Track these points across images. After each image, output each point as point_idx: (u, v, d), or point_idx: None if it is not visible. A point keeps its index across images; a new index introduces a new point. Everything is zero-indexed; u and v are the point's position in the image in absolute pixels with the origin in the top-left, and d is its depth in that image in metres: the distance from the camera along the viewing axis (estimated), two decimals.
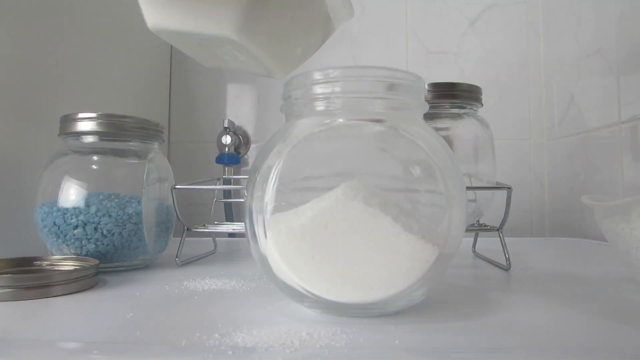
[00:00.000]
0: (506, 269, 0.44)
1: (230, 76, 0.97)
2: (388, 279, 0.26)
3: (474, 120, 0.52)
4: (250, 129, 0.97)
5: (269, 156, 0.29)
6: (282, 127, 0.31)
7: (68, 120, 0.45)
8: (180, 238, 0.50)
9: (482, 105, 0.52)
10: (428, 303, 0.31)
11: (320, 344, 0.23)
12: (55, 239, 0.43)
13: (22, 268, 0.40)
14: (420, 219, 0.27)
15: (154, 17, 0.30)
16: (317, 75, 0.29)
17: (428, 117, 0.50)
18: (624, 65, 0.67)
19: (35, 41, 0.56)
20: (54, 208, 0.43)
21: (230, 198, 0.86)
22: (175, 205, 0.49)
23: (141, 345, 0.24)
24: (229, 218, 0.91)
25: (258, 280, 0.40)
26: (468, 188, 0.48)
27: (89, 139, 0.45)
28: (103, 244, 0.43)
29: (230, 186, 0.82)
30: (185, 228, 0.51)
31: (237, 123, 0.96)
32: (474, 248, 0.56)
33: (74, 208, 0.42)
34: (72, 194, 0.43)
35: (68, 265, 0.41)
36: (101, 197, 0.43)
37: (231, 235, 0.78)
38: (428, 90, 0.50)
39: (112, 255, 0.44)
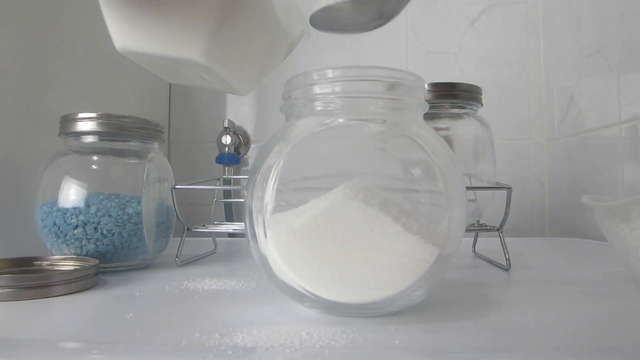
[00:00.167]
0: (506, 269, 0.44)
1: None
2: (388, 279, 0.26)
3: (474, 120, 0.52)
4: (250, 129, 0.97)
5: (269, 156, 0.29)
6: (282, 127, 0.31)
7: (68, 120, 0.45)
8: (180, 238, 0.50)
9: (482, 105, 0.52)
10: (428, 303, 0.31)
11: (320, 344, 0.23)
12: (55, 239, 0.43)
13: (22, 268, 0.40)
14: (420, 219, 0.27)
15: (122, 39, 0.31)
16: (317, 75, 0.29)
17: (428, 117, 0.50)
18: (624, 65, 0.67)
19: (35, 41, 0.56)
20: (54, 208, 0.43)
21: (230, 198, 0.86)
22: (175, 205, 0.49)
23: (141, 345, 0.24)
24: (229, 218, 0.91)
25: (258, 280, 0.40)
26: (468, 188, 0.48)
27: (89, 139, 0.45)
28: (103, 244, 0.43)
29: (230, 186, 0.82)
30: (185, 228, 0.51)
31: (237, 123, 0.96)
32: (474, 248, 0.56)
33: (74, 208, 0.42)
34: (72, 194, 0.43)
35: (68, 265, 0.41)
36: (101, 197, 0.43)
37: (231, 235, 0.78)
38: (428, 90, 0.50)
39: (112, 255, 0.44)
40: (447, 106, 0.51)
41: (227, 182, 0.82)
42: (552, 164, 0.90)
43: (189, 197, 0.93)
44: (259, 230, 0.28)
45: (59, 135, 0.46)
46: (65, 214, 0.42)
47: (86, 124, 0.44)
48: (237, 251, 0.62)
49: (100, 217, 0.42)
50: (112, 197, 0.44)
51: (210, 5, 0.29)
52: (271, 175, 0.27)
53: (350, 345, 0.23)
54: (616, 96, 0.68)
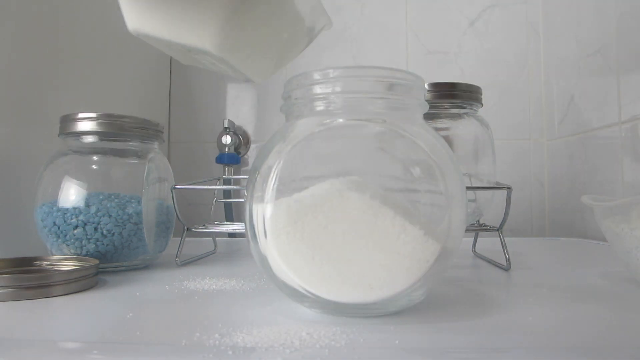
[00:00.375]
0: (506, 269, 0.44)
1: (230, 76, 0.97)
2: (388, 279, 0.26)
3: (473, 120, 0.52)
4: (250, 129, 0.97)
5: (269, 156, 0.29)
6: (282, 127, 0.31)
7: (68, 120, 0.45)
8: (180, 238, 0.50)
9: (482, 105, 0.52)
10: (428, 303, 0.31)
11: (320, 344, 0.23)
12: (55, 239, 0.43)
13: (22, 268, 0.40)
14: (420, 219, 0.27)
15: (134, 20, 0.30)
16: (317, 75, 0.29)
17: (428, 117, 0.50)
18: (624, 65, 0.67)
19: (35, 41, 0.56)
20: (54, 208, 0.43)
21: (230, 198, 0.86)
22: (175, 205, 0.49)
23: (141, 345, 0.24)
24: (229, 218, 0.91)
25: (258, 280, 0.40)
26: (468, 188, 0.48)
27: (89, 139, 0.45)
28: (103, 244, 0.43)
29: (230, 186, 0.82)
30: (185, 228, 0.51)
31: (237, 123, 0.96)
32: (474, 248, 0.56)
33: (74, 208, 0.42)
34: (72, 194, 0.43)
35: (68, 265, 0.41)
36: (101, 197, 0.43)
37: (231, 235, 0.78)
38: (428, 90, 0.50)
39: (112, 255, 0.44)
40: (447, 106, 0.51)
41: (227, 182, 0.82)
42: (552, 164, 0.90)
43: (189, 197, 0.93)
44: (259, 230, 0.28)
45: (59, 135, 0.46)
46: (65, 214, 0.42)
47: (86, 124, 0.44)
48: (237, 251, 0.62)
49: (100, 217, 0.43)
50: (112, 197, 0.44)
51: None
52: (271, 175, 0.27)
53: (350, 345, 0.23)
54: (616, 96, 0.68)
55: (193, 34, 0.29)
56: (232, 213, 0.91)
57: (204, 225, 0.57)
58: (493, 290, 0.37)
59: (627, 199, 0.35)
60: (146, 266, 0.48)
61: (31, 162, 0.50)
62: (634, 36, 0.64)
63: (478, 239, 0.57)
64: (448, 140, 0.51)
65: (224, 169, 0.92)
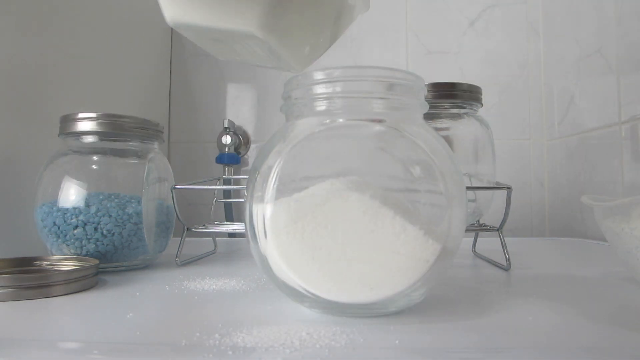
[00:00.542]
0: (506, 269, 0.44)
1: (230, 76, 0.97)
2: (388, 279, 0.26)
3: (474, 120, 0.52)
4: (250, 129, 0.97)
5: (269, 156, 0.29)
6: (282, 127, 0.31)
7: (68, 120, 0.45)
8: (180, 238, 0.50)
9: (482, 105, 0.52)
10: (428, 303, 0.31)
11: (320, 344, 0.23)
12: (55, 239, 0.43)
13: (22, 268, 0.40)
14: (420, 219, 0.27)
15: (175, 11, 0.29)
16: (317, 75, 0.29)
17: (428, 117, 0.50)
18: (624, 65, 0.67)
19: (35, 41, 0.56)
20: (54, 208, 0.43)
21: (230, 198, 0.86)
22: (175, 205, 0.49)
23: (141, 345, 0.24)
24: (229, 218, 0.91)
25: (258, 280, 0.40)
26: (468, 188, 0.48)
27: (89, 139, 0.45)
28: (103, 244, 0.43)
29: (230, 186, 0.82)
30: (185, 228, 0.51)
31: (237, 123, 0.96)
32: (474, 248, 0.56)
33: (74, 208, 0.42)
34: (72, 194, 0.43)
35: (68, 265, 0.41)
36: (101, 197, 0.43)
37: (231, 235, 0.78)
38: (428, 90, 0.50)
39: (112, 255, 0.44)
40: (447, 106, 0.51)
41: (227, 182, 0.82)
42: (552, 164, 0.90)
43: (189, 197, 0.93)
44: (259, 230, 0.28)
45: (59, 135, 0.46)
46: (65, 214, 0.42)
47: (86, 124, 0.44)
48: (237, 251, 0.62)
49: (100, 217, 0.42)
50: (112, 197, 0.44)
51: None
52: (271, 175, 0.27)
53: (350, 345, 0.23)
54: (616, 96, 0.68)
55: (239, 17, 0.28)
56: (232, 213, 0.91)
57: (204, 225, 0.57)
58: (493, 290, 0.37)
59: (627, 199, 0.35)
60: (146, 266, 0.48)
61: (31, 162, 0.50)
62: (634, 36, 0.64)
63: (478, 239, 0.57)
64: (448, 140, 0.51)
65: (224, 169, 0.92)
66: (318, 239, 0.26)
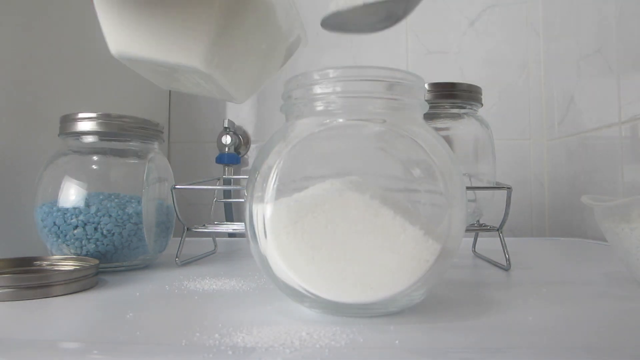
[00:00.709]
0: (506, 269, 0.44)
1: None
2: (388, 279, 0.26)
3: (474, 120, 0.52)
4: (250, 129, 0.97)
5: (269, 156, 0.29)
6: (282, 127, 0.31)
7: (68, 120, 0.45)
8: (180, 238, 0.50)
9: (482, 105, 0.52)
10: (428, 303, 0.31)
11: (320, 344, 0.23)
12: (55, 239, 0.43)
13: (22, 268, 0.40)
14: (420, 219, 0.27)
15: (120, 44, 0.29)
16: (317, 75, 0.29)
17: (428, 117, 0.50)
18: (624, 65, 0.67)
19: (34, 41, 0.56)
20: (54, 208, 0.43)
21: (230, 198, 0.86)
22: (175, 205, 0.49)
23: (141, 345, 0.24)
24: (229, 218, 0.91)
25: (258, 280, 0.40)
26: (468, 188, 0.48)
27: (89, 139, 0.45)
28: (103, 244, 0.43)
29: (230, 186, 0.82)
30: (185, 228, 0.51)
31: (237, 123, 0.96)
32: (474, 248, 0.56)
33: (74, 208, 0.42)
34: (72, 194, 0.43)
35: (68, 265, 0.41)
36: (101, 197, 0.43)
37: (231, 235, 0.78)
38: (428, 90, 0.50)
39: (112, 255, 0.44)
40: (447, 106, 0.51)
41: (227, 182, 0.82)
42: (552, 164, 0.90)
43: (189, 197, 0.93)
44: (259, 230, 0.28)
45: (59, 135, 0.46)
46: (65, 214, 0.42)
47: (86, 124, 0.44)
48: (237, 251, 0.62)
49: (100, 217, 0.42)
50: (112, 197, 0.44)
51: (212, 11, 0.29)
52: (271, 175, 0.27)
53: (350, 345, 0.23)
54: (616, 96, 0.68)
55: (183, 53, 0.29)
56: (232, 213, 0.91)
57: (204, 225, 0.57)
58: (493, 290, 0.37)
59: (627, 199, 0.35)
60: (146, 266, 0.48)
61: (31, 162, 0.50)
62: (634, 36, 0.64)
63: (478, 239, 0.57)
64: (448, 140, 0.51)
65: (224, 169, 0.92)
66: (318, 239, 0.26)
